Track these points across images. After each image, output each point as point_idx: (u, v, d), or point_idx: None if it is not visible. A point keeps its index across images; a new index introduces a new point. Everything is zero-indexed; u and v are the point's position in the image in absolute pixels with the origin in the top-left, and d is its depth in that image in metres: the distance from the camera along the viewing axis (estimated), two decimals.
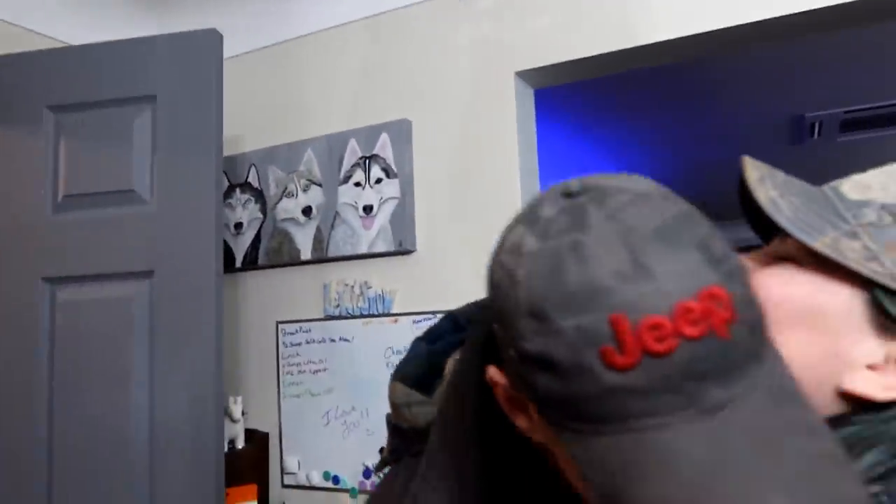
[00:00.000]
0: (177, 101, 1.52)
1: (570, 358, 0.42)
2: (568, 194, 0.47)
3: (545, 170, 2.19)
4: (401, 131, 1.93)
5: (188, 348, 1.55)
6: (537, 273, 0.44)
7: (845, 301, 0.53)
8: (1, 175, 1.64)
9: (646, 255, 0.42)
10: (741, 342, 0.43)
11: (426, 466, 0.63)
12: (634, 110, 3.32)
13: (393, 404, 0.69)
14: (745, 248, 0.60)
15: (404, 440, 0.68)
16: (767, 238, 0.62)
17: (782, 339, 0.50)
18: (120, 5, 2.17)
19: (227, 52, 2.15)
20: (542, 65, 1.83)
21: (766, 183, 0.56)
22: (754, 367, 0.43)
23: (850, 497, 0.41)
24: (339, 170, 2.01)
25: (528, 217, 0.48)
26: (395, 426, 0.69)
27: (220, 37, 1.56)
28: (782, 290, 0.55)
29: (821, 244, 0.52)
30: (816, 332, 0.54)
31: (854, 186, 0.55)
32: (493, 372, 0.51)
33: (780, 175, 0.57)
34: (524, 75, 1.88)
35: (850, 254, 0.51)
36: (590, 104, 3.19)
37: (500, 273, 0.47)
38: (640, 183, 0.47)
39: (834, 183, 0.57)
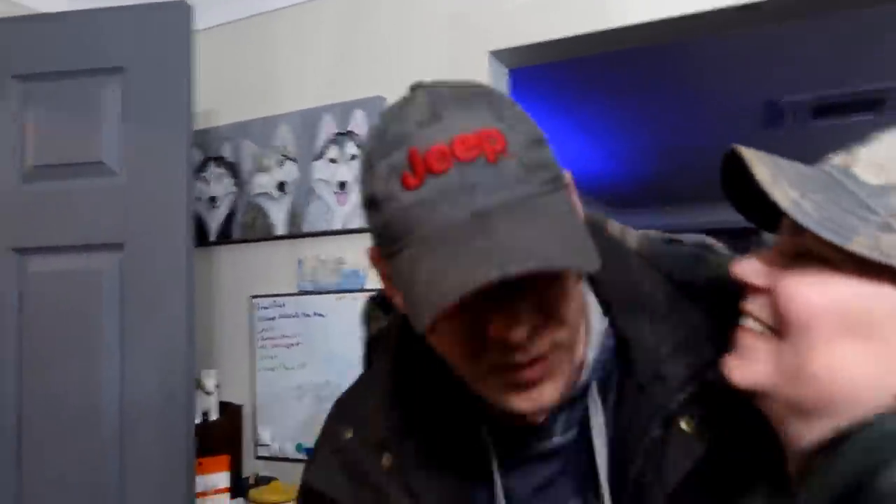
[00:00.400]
0: (146, 73, 1.51)
1: (382, 190, 0.55)
2: (413, 87, 0.61)
3: None
4: (375, 108, 1.93)
5: (159, 322, 1.56)
6: (372, 137, 0.59)
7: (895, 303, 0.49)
8: None
9: (441, 109, 0.55)
10: (509, 171, 0.54)
11: (364, 371, 0.81)
12: (611, 93, 3.35)
13: (361, 317, 0.83)
14: (739, 235, 0.56)
15: (365, 350, 0.82)
16: (761, 222, 0.60)
17: (833, 355, 0.49)
18: None
19: (200, 25, 2.12)
20: (516, 45, 1.84)
21: (780, 182, 0.50)
22: (522, 189, 0.54)
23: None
24: (314, 145, 2.01)
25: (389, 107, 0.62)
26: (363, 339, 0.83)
27: (189, 7, 1.55)
28: (821, 299, 0.50)
29: (857, 245, 0.47)
30: (870, 343, 0.49)
31: (868, 167, 0.51)
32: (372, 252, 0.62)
33: (785, 164, 0.53)
34: (499, 55, 1.89)
35: (893, 251, 0.47)
36: (567, 85, 3.21)
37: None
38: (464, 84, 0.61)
39: (840, 161, 0.53)
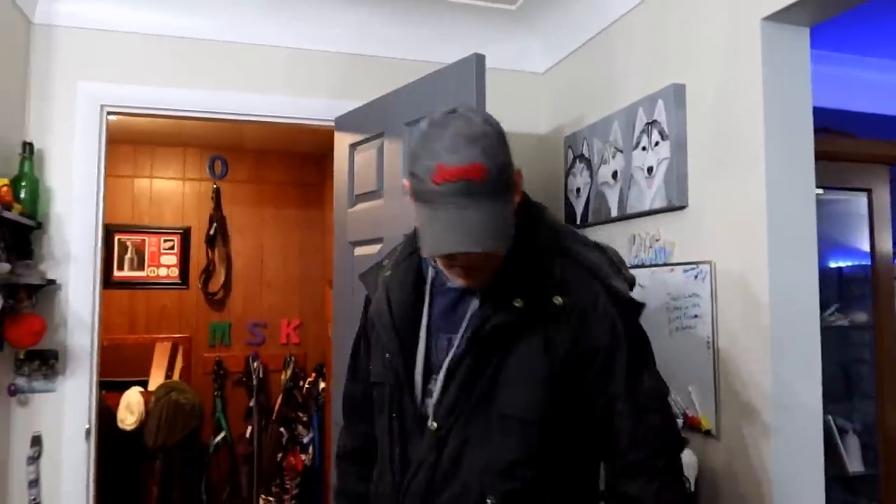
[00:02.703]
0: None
1: (421, 174, 1.11)
2: (449, 112, 1.15)
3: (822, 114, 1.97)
4: (673, 95, 2.08)
5: None
6: (421, 139, 1.15)
7: None
8: None
9: (458, 145, 1.09)
10: (483, 189, 1.09)
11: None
12: None
13: None
14: None
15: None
16: None
17: None
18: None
19: (561, 54, 2.63)
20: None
21: None
22: (485, 199, 1.10)
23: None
24: (632, 137, 2.27)
25: (431, 117, 1.17)
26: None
27: (482, 58, 2.09)
28: None
29: None
30: None
31: None
32: (405, 182, 1.19)
33: None
34: (782, 16, 1.81)
35: None
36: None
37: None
38: (478, 119, 1.15)
39: None
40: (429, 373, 1.27)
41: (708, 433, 1.93)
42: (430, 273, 1.33)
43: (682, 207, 2.07)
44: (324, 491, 4.35)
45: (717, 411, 1.91)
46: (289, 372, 4.55)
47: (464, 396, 1.21)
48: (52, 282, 2.43)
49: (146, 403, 4.26)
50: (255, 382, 4.54)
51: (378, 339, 1.35)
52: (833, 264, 3.33)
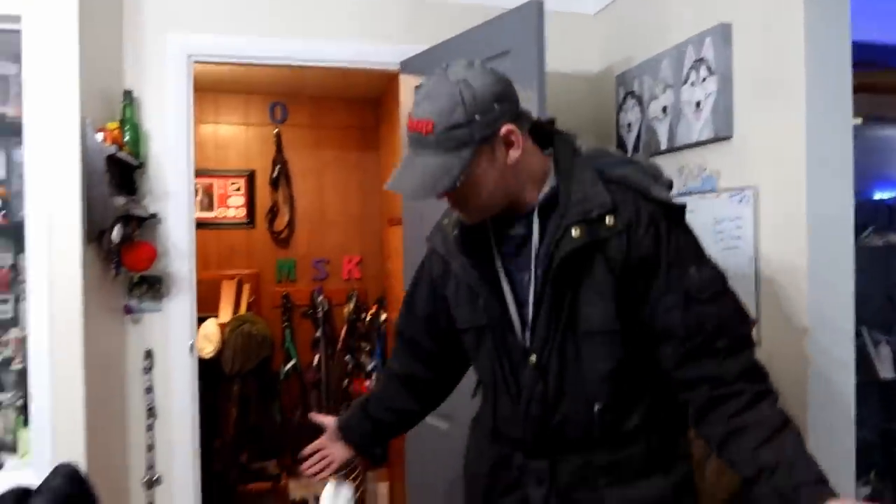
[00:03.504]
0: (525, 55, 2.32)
1: (405, 120, 1.34)
2: (445, 67, 1.30)
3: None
4: (721, 34, 2.23)
5: None
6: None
7: None
8: None
9: (422, 100, 1.28)
10: (429, 142, 1.26)
11: None
12: None
13: None
14: None
15: None
16: None
17: None
18: None
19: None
20: None
21: None
22: (429, 151, 1.27)
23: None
24: (682, 73, 2.43)
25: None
26: None
27: (541, 5, 2.28)
28: None
29: None
30: None
31: None
32: None
33: None
34: None
35: None
36: None
37: None
38: (454, 79, 1.27)
39: None
40: (519, 308, 1.42)
41: None
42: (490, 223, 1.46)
43: (727, 138, 2.24)
44: None
45: (759, 318, 2.11)
46: (351, 305, 4.87)
47: (553, 325, 1.35)
48: (154, 215, 2.73)
49: (222, 334, 4.64)
50: (320, 315, 4.88)
51: (459, 288, 1.50)
52: (878, 196, 3.45)
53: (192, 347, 2.79)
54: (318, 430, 1.74)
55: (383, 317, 4.76)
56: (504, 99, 1.29)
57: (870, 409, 2.74)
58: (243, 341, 4.58)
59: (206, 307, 5.06)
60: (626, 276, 1.34)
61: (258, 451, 4.69)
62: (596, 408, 1.37)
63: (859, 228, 2.04)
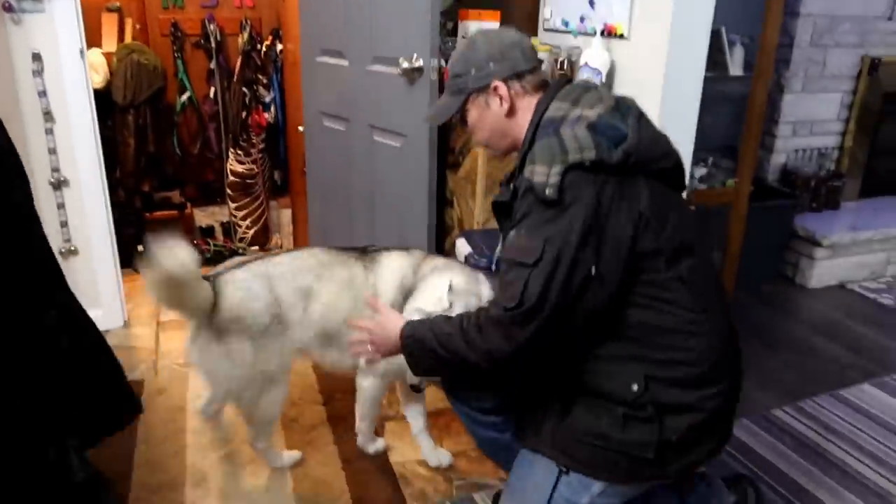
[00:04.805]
0: None
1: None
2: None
3: None
4: None
5: None
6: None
7: None
8: None
9: (455, 51, 1.72)
10: (446, 84, 1.68)
11: None
12: None
13: None
14: None
15: None
16: None
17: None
18: None
19: None
20: None
21: None
22: (446, 91, 1.70)
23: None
24: None
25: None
26: None
27: None
28: None
29: None
30: None
31: None
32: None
33: None
34: None
35: None
36: None
37: None
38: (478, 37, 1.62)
39: None
40: None
41: (621, 36, 2.38)
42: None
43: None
44: (285, 145, 4.85)
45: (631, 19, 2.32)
46: (245, 35, 4.73)
47: None
48: None
49: (109, 64, 4.46)
50: (213, 45, 4.73)
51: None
52: None
53: (82, 53, 2.74)
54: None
55: (279, 48, 4.69)
56: (501, 59, 1.55)
57: (716, 100, 3.05)
58: (133, 70, 4.43)
59: (88, 40, 4.83)
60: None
61: (161, 182, 4.78)
62: None
63: None
